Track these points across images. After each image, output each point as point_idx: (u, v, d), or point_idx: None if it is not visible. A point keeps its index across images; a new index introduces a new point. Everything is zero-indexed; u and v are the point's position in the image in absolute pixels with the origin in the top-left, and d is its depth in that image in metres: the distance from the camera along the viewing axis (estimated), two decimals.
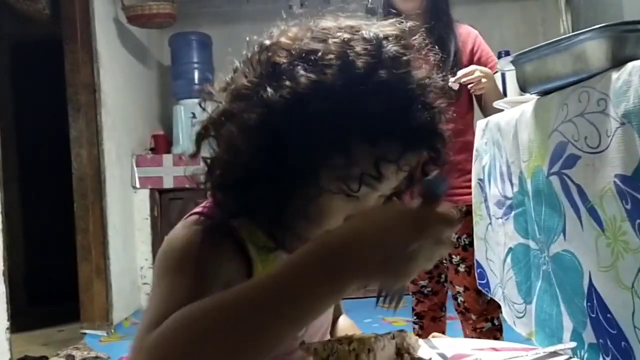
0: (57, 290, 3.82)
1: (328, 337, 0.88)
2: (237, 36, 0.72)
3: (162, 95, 4.40)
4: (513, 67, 1.15)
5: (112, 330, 3.33)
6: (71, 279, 3.38)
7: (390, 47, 0.64)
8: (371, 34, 0.65)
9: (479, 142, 1.52)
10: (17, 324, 2.81)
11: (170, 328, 0.51)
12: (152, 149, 3.99)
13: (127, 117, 3.75)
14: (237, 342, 0.50)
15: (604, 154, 0.86)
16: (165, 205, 3.81)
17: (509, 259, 1.29)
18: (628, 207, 0.81)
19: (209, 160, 0.68)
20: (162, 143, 3.97)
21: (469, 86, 1.81)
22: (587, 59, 0.91)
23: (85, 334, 3.28)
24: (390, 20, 0.68)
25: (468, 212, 1.63)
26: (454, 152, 2.12)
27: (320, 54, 0.62)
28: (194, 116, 3.77)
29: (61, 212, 3.63)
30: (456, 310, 1.93)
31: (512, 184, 1.24)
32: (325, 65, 0.62)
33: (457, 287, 1.89)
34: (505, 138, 1.26)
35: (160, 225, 3.82)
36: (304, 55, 0.63)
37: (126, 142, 3.72)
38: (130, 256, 3.74)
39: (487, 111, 1.82)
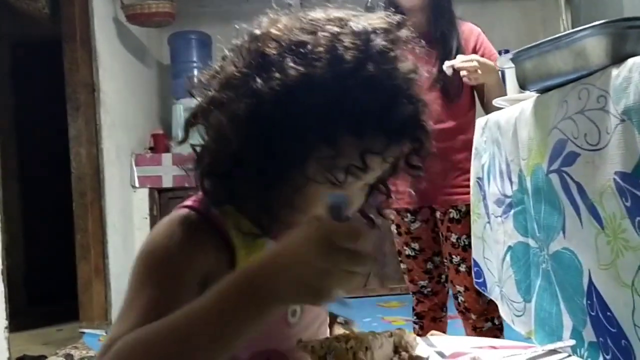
0: (56, 290, 3.82)
1: (327, 334, 0.87)
2: (237, 35, 0.73)
3: (162, 95, 4.40)
4: (513, 65, 1.15)
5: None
6: (70, 278, 3.38)
7: (378, 42, 0.65)
8: (360, 27, 0.66)
9: (478, 140, 1.51)
10: (16, 323, 2.80)
11: (117, 355, 0.58)
12: (151, 148, 3.98)
13: (126, 116, 3.75)
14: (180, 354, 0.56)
15: (604, 151, 0.85)
16: (165, 204, 3.81)
17: (508, 258, 1.28)
18: (628, 204, 0.80)
19: (198, 149, 0.69)
20: (162, 142, 3.97)
21: (462, 73, 1.76)
22: (587, 55, 0.91)
23: (84, 333, 3.27)
24: (379, 13, 0.69)
25: (468, 212, 1.62)
26: (455, 151, 2.11)
27: (309, 46, 0.64)
28: None
29: (61, 211, 3.63)
30: (457, 309, 1.92)
31: (511, 182, 1.23)
32: (314, 58, 0.63)
33: (457, 286, 1.88)
34: (504, 136, 1.25)
35: None
36: (293, 47, 0.65)
37: (125, 141, 3.71)
38: (130, 256, 3.73)
39: (488, 108, 1.80)
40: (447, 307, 2.04)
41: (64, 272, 3.54)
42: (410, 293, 2.05)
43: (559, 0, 4.15)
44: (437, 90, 1.84)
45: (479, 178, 1.50)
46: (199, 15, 4.34)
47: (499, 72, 1.84)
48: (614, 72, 0.83)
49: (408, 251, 1.97)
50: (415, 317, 2.05)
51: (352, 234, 0.54)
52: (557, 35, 0.98)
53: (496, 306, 1.42)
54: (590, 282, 0.91)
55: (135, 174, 3.75)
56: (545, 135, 1.02)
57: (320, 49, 0.63)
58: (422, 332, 1.99)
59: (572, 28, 3.93)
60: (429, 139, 0.71)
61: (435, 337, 0.95)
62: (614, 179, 0.83)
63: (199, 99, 0.70)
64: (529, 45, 1.05)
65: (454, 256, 1.87)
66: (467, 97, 1.90)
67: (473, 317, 1.86)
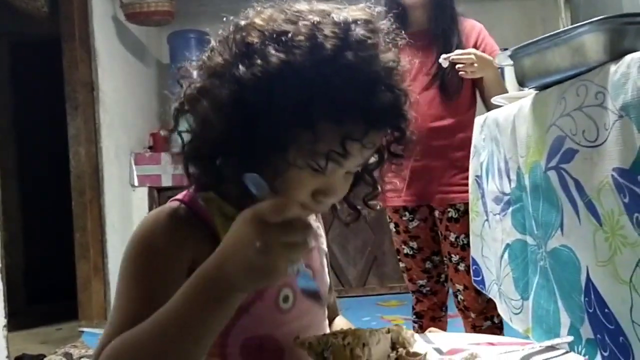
0: (55, 289, 3.82)
1: (327, 330, 0.87)
2: (224, 27, 0.75)
3: (161, 94, 4.39)
4: (511, 62, 1.15)
5: None
6: (69, 277, 3.37)
7: (358, 31, 0.67)
8: (341, 18, 0.68)
9: (476, 138, 1.51)
10: (15, 322, 2.80)
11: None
12: (150, 147, 3.98)
13: (125, 115, 3.74)
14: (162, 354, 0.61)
15: (602, 147, 0.85)
16: (164, 203, 3.79)
17: (506, 255, 1.28)
18: (626, 200, 0.80)
19: (183, 135, 0.73)
20: (161, 141, 3.97)
21: (457, 66, 1.75)
22: (585, 52, 0.91)
23: (83, 332, 3.27)
24: (361, 5, 0.71)
25: (467, 211, 1.61)
26: (453, 149, 2.10)
27: (290, 35, 0.66)
28: None
29: (60, 210, 3.63)
30: (457, 307, 1.92)
31: (509, 180, 1.23)
32: (295, 46, 0.65)
33: (457, 285, 1.88)
34: (503, 134, 1.25)
35: None
36: (275, 35, 0.67)
37: (125, 140, 3.71)
38: None
39: (489, 104, 1.79)
40: (447, 306, 2.04)
41: (63, 271, 3.53)
42: (410, 292, 2.05)
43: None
44: (436, 87, 1.84)
45: (477, 176, 1.50)
46: (199, 14, 4.33)
47: (499, 70, 1.84)
48: (612, 68, 0.83)
49: (406, 250, 1.97)
50: (414, 317, 2.04)
51: (277, 208, 0.57)
52: (555, 32, 0.98)
53: (495, 305, 1.42)
54: (588, 279, 0.91)
55: (135, 173, 3.75)
56: (543, 132, 1.02)
57: (301, 37, 0.66)
58: (421, 331, 1.98)
59: None
60: (409, 127, 0.73)
61: (432, 333, 0.95)
62: (612, 176, 0.83)
63: (187, 88, 0.73)
64: (527, 42, 1.05)
65: (453, 255, 1.87)
66: (468, 95, 1.89)
67: (472, 315, 1.86)
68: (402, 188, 1.87)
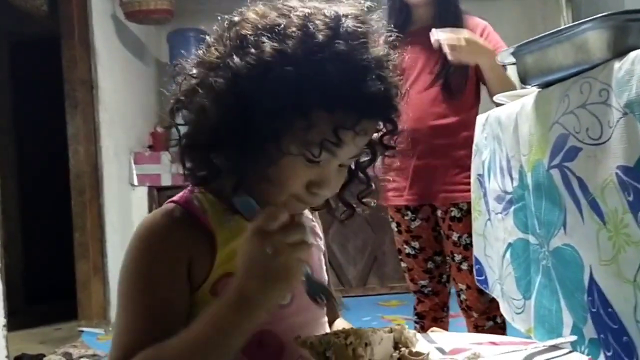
0: (54, 288, 3.81)
1: (327, 328, 0.86)
2: (219, 24, 0.76)
3: (160, 92, 4.37)
4: (514, 60, 1.14)
5: (110, 329, 3.31)
6: (69, 277, 3.37)
7: (348, 22, 0.70)
8: (332, 11, 0.71)
9: (478, 137, 1.50)
10: (15, 322, 2.80)
11: None
12: (150, 146, 3.97)
13: (125, 114, 3.74)
14: None
15: (606, 145, 0.84)
16: (163, 202, 3.79)
17: (508, 255, 1.27)
18: (630, 198, 0.80)
19: (180, 130, 0.75)
20: (161, 140, 3.96)
21: (444, 49, 1.70)
22: (589, 49, 0.90)
23: (82, 332, 3.27)
24: (350, 1, 0.74)
25: (470, 211, 1.60)
26: (456, 148, 2.08)
27: (283, 26, 0.69)
28: None
29: (59, 209, 3.62)
30: (460, 307, 1.91)
31: (512, 179, 1.23)
32: (287, 35, 0.68)
33: (459, 284, 1.88)
34: (505, 132, 1.24)
35: None
36: (268, 27, 0.69)
37: (124, 139, 3.70)
38: None
39: (491, 89, 1.77)
40: (449, 307, 2.03)
41: (62, 271, 3.53)
42: (412, 292, 2.04)
43: None
44: (439, 85, 1.83)
45: (479, 175, 1.49)
46: (198, 12, 4.32)
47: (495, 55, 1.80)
48: (616, 65, 0.83)
49: (408, 250, 1.96)
50: (416, 317, 2.03)
51: (271, 215, 0.63)
52: (558, 29, 0.97)
53: (498, 305, 1.41)
54: (591, 278, 0.90)
55: (134, 172, 3.74)
56: (546, 130, 1.01)
57: (293, 28, 0.68)
58: (422, 332, 1.97)
59: None
60: (399, 119, 0.75)
61: (435, 333, 0.95)
62: (616, 173, 0.82)
63: (183, 82, 0.74)
64: (530, 40, 1.04)
65: (455, 254, 1.86)
66: (471, 93, 1.88)
67: (475, 315, 1.86)
68: (404, 187, 1.86)
